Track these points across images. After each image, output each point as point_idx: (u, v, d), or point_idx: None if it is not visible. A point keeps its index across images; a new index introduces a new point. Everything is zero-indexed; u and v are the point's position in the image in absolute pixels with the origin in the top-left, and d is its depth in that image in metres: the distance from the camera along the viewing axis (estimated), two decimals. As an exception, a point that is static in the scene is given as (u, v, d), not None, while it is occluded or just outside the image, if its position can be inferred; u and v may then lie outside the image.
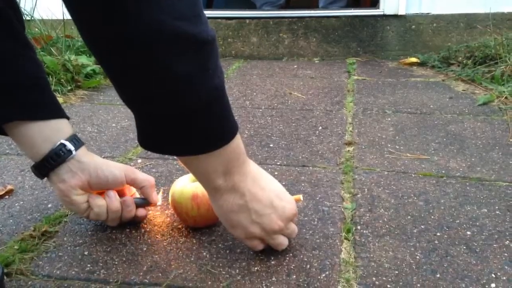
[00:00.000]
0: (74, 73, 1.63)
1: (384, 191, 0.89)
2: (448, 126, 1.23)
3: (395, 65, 2.00)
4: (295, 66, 2.02)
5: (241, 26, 2.21)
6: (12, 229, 0.77)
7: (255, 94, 1.57)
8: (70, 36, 1.92)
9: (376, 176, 0.95)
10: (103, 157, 1.05)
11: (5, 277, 0.65)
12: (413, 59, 1.99)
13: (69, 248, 0.72)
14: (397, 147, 1.10)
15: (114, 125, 1.27)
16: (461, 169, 0.97)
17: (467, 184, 0.91)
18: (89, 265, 0.68)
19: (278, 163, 1.02)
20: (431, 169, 0.97)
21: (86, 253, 0.71)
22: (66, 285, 0.64)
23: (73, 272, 0.66)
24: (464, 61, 1.77)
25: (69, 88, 1.58)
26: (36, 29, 1.93)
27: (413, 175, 0.95)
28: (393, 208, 0.83)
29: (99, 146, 1.13)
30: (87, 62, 1.70)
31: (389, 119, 1.30)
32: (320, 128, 1.23)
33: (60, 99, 1.49)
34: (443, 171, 0.96)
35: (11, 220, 0.80)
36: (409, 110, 1.37)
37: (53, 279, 0.65)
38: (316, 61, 2.12)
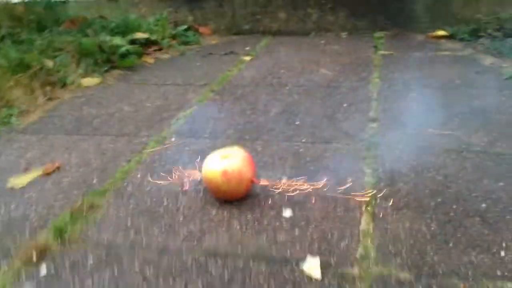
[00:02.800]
0: (110, 54, 1.71)
1: (405, 166, 0.93)
2: (473, 101, 1.24)
3: (423, 38, 1.99)
4: (322, 42, 2.03)
5: (269, 2, 2.23)
6: (63, 203, 0.86)
7: (282, 71, 1.61)
8: (104, 17, 2.00)
9: (398, 152, 0.99)
10: (141, 135, 1.13)
11: (58, 244, 0.74)
12: (442, 32, 1.97)
13: (114, 219, 0.80)
14: (421, 122, 1.13)
15: (149, 104, 1.35)
16: (482, 144, 1.00)
17: (486, 158, 0.94)
18: (132, 234, 0.76)
19: (303, 141, 1.07)
20: (453, 144, 1.01)
21: (129, 224, 0.79)
22: (113, 250, 0.72)
23: (118, 240, 0.75)
24: (493, 34, 1.75)
25: (106, 68, 1.66)
26: (71, 12, 2.01)
27: (434, 150, 0.99)
28: (413, 182, 0.87)
29: (136, 125, 1.20)
30: (121, 43, 1.77)
31: (414, 94, 1.32)
32: (345, 105, 1.27)
33: (98, 79, 1.58)
34: (464, 146, 1.00)
35: (61, 195, 0.89)
36: (435, 85, 1.39)
37: (102, 246, 0.73)
38: (344, 36, 2.13)
